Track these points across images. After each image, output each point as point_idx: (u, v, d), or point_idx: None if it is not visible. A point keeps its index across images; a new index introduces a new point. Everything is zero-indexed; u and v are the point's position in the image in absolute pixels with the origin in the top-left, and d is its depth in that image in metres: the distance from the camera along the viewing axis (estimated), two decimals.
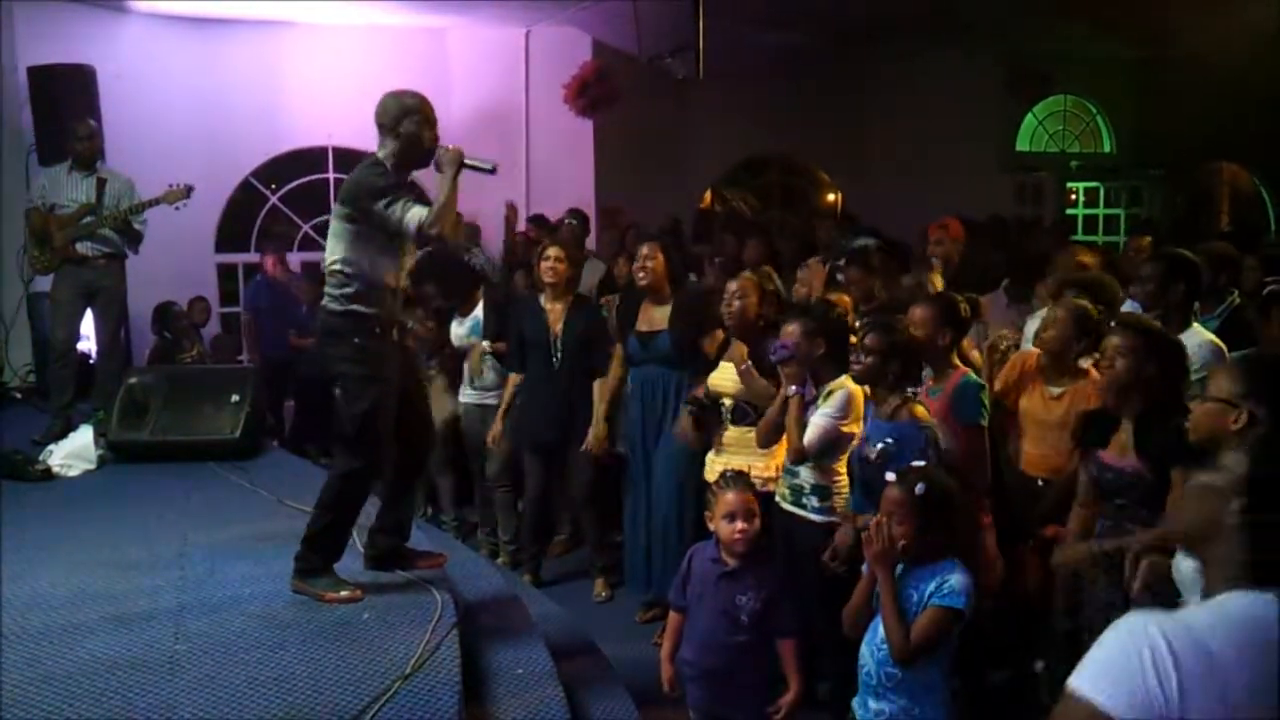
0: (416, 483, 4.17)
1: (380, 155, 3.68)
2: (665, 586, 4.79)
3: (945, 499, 2.95)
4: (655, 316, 5.02)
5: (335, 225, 3.71)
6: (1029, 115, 13.18)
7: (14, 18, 8.04)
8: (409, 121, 3.65)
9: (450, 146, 3.68)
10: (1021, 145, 13.25)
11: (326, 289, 3.70)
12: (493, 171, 3.76)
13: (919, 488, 2.89)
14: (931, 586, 2.88)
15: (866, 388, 3.70)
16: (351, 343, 3.65)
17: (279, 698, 2.95)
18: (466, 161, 3.65)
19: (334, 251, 3.68)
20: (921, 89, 10.95)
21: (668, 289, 5.06)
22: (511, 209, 6.48)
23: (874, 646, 2.97)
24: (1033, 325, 4.49)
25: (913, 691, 2.90)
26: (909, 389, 3.59)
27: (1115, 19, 9.93)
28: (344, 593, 3.65)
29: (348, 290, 3.63)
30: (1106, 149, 13.65)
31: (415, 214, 3.52)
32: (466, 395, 5.86)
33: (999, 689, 4.00)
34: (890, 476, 2.95)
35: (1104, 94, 13.31)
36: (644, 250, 5.05)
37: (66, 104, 7.21)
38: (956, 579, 2.87)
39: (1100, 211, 13.89)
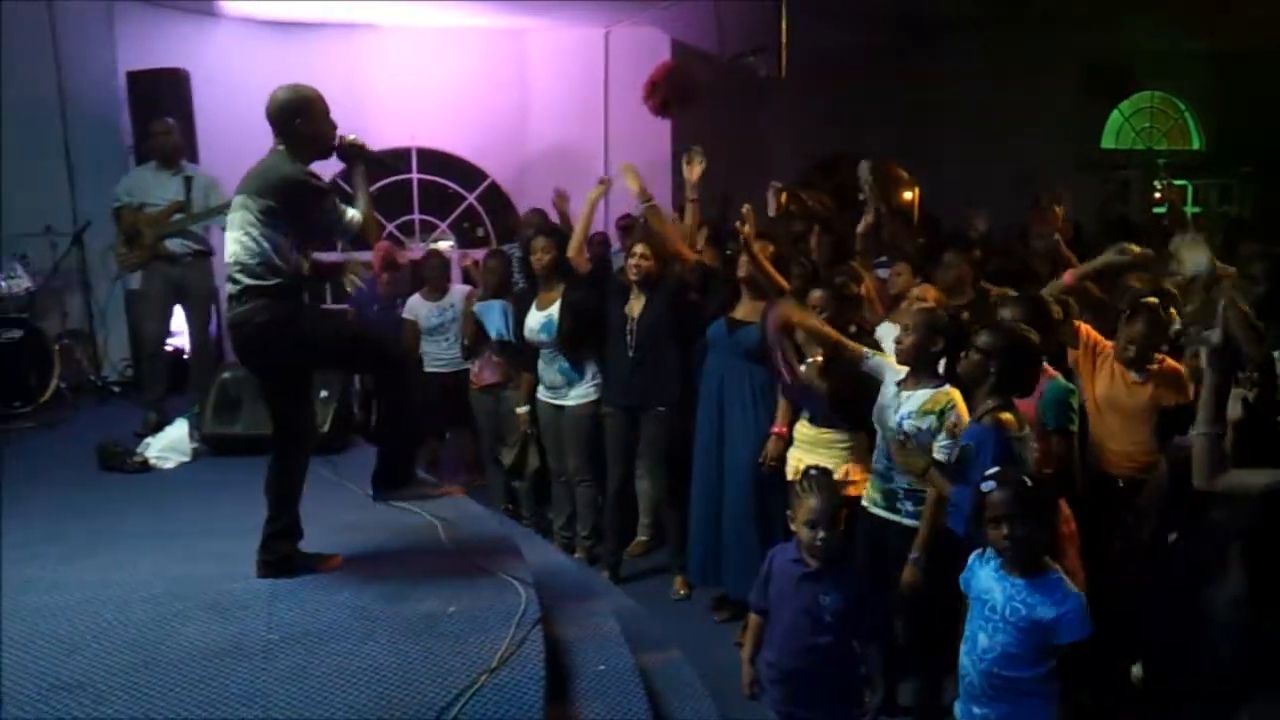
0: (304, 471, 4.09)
1: (284, 149, 3.68)
2: (735, 580, 4.86)
3: (1046, 501, 2.93)
4: (743, 307, 5.06)
5: (245, 216, 3.64)
6: (1115, 112, 12.93)
7: (115, 23, 8.32)
8: (307, 116, 3.68)
9: (350, 137, 3.75)
10: (1107, 143, 13.00)
11: (249, 282, 3.66)
12: (396, 168, 3.92)
13: (1018, 486, 2.88)
14: (1050, 614, 2.84)
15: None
16: (303, 318, 3.75)
17: (368, 689, 3.02)
18: (367, 150, 3.80)
19: (256, 245, 3.63)
20: (1005, 86, 10.79)
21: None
22: (559, 195, 6.49)
23: (975, 656, 2.95)
24: None
25: (1017, 698, 2.89)
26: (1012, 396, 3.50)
27: (1203, 13, 9.69)
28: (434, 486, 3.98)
29: (276, 281, 3.65)
30: (1195, 146, 13.33)
31: (353, 216, 3.72)
32: (541, 394, 5.91)
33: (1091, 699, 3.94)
34: (988, 485, 2.92)
35: (1192, 90, 13.00)
36: (757, 247, 5.07)
37: (162, 107, 7.44)
38: (1075, 605, 2.84)
39: (1189, 210, 13.56)
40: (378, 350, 4.07)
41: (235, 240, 3.69)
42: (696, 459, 5.20)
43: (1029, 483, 2.95)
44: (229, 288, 3.74)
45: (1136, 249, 4.32)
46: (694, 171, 5.33)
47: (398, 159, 4.00)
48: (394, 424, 4.08)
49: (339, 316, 4.03)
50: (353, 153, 3.78)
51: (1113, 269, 4.39)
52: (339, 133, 3.80)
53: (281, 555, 3.87)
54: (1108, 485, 4.05)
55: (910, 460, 3.57)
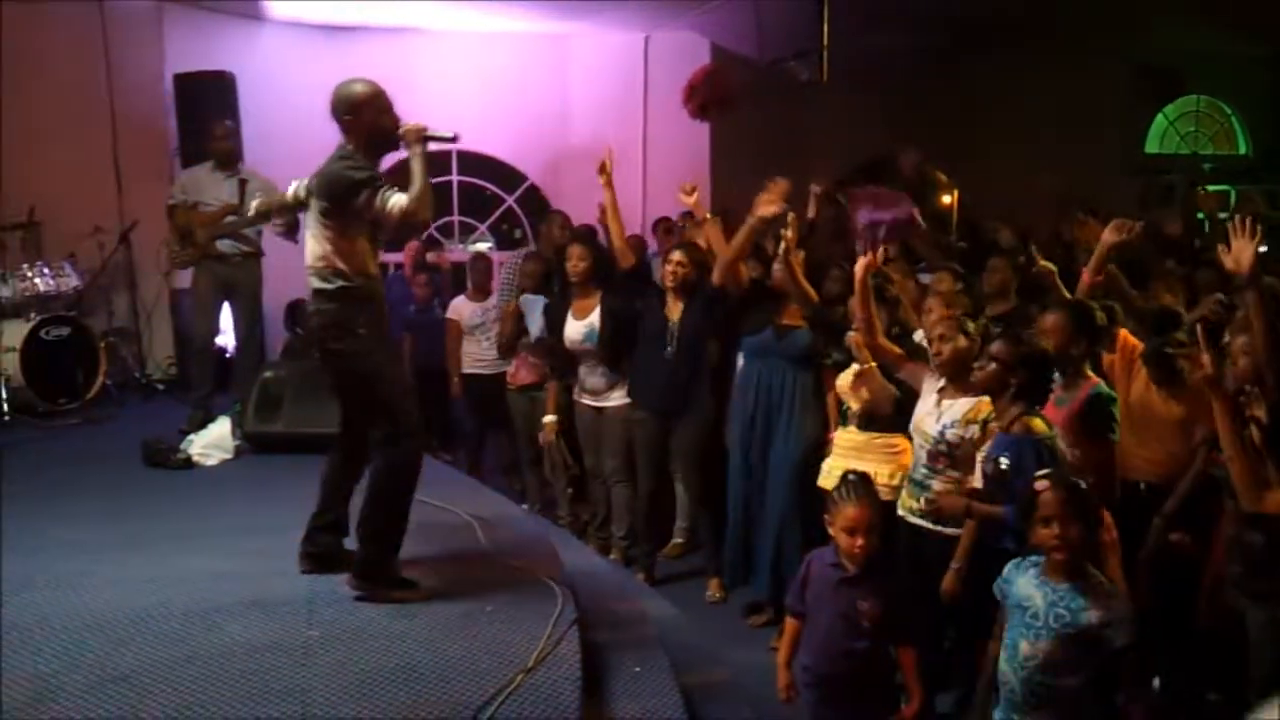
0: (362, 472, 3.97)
1: (349, 147, 3.70)
2: (774, 586, 4.85)
3: (1089, 500, 2.92)
4: (789, 312, 5.05)
5: (311, 217, 3.70)
6: (1159, 116, 12.77)
7: (163, 28, 8.46)
8: (369, 110, 3.68)
9: (410, 123, 3.71)
10: (1151, 147, 12.85)
11: (316, 284, 3.70)
12: (454, 140, 3.86)
13: (1070, 487, 2.88)
14: (1096, 618, 2.81)
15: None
16: (357, 334, 3.67)
17: (406, 686, 3.05)
18: (429, 134, 3.72)
19: (319, 246, 3.68)
20: (1048, 89, 10.70)
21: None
22: (602, 209, 6.55)
23: (1016, 664, 2.93)
24: None
25: (1060, 706, 2.86)
26: (1034, 404, 3.49)
27: (1252, 16, 9.56)
28: (417, 591, 3.72)
29: (340, 284, 3.66)
30: (1242, 151, 13.14)
31: (397, 201, 3.56)
32: (581, 397, 5.92)
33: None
34: (1041, 484, 2.91)
35: (1240, 94, 12.82)
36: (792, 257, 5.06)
37: (208, 109, 7.56)
38: (1124, 609, 2.83)
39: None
40: (407, 424, 3.73)
41: (307, 241, 3.74)
42: (732, 464, 5.19)
43: (1081, 484, 2.94)
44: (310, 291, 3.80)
45: (1131, 223, 4.28)
46: (768, 210, 4.97)
47: (452, 136, 3.92)
48: (378, 511, 3.74)
49: (401, 366, 3.84)
50: (411, 139, 3.72)
51: (1115, 248, 4.34)
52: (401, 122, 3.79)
53: (325, 549, 3.88)
54: (1130, 490, 4.02)
55: (949, 503, 3.56)
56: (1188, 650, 3.83)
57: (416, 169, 3.66)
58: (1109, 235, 4.31)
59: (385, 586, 3.69)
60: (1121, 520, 3.67)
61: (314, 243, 3.70)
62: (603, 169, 5.59)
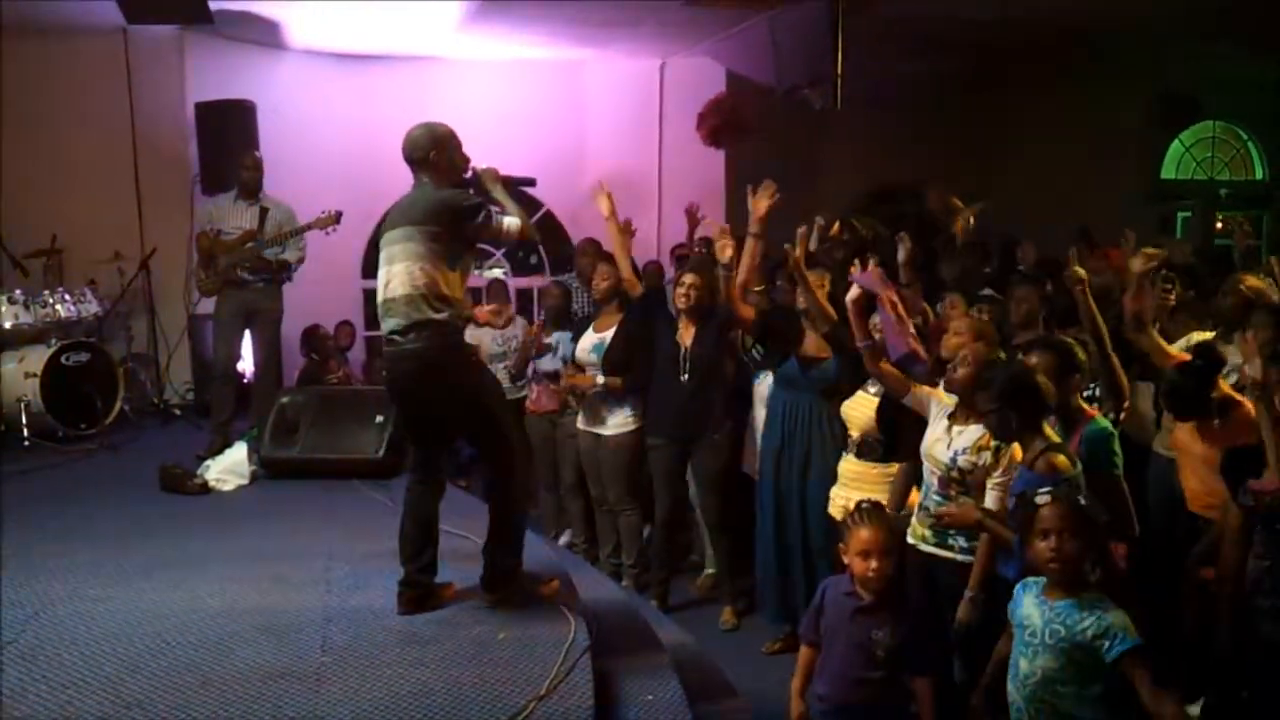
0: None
1: (426, 180, 3.84)
2: (794, 616, 4.81)
3: (1092, 517, 2.89)
4: (812, 343, 4.97)
5: (411, 248, 3.70)
6: (1175, 142, 12.75)
7: (186, 57, 8.56)
8: (450, 146, 3.86)
9: (485, 166, 3.96)
10: (1167, 173, 12.82)
11: (424, 315, 3.68)
12: (533, 184, 4.12)
13: (1070, 502, 2.87)
14: (1090, 626, 2.78)
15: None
16: (475, 361, 3.82)
17: (419, 713, 3.05)
18: (506, 177, 3.98)
19: (423, 276, 3.68)
20: (1061, 116, 10.70)
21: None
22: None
23: (1018, 683, 2.92)
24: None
25: None
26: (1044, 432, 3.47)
27: (1268, 40, 9.55)
28: (554, 583, 4.04)
29: (451, 312, 3.72)
30: (1259, 176, 13.10)
31: (512, 221, 3.84)
32: (580, 423, 5.92)
33: None
34: (1042, 499, 2.89)
35: (1257, 119, 12.79)
36: (813, 278, 5.03)
37: (229, 137, 7.64)
38: (1117, 618, 2.77)
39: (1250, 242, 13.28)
40: (512, 440, 3.96)
41: (402, 273, 3.71)
42: (762, 495, 5.14)
43: (1082, 500, 2.92)
44: (393, 322, 3.73)
45: (1155, 250, 4.29)
46: (760, 206, 5.23)
47: (531, 180, 4.19)
48: (505, 526, 3.97)
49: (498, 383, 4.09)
50: (487, 179, 3.95)
51: (1146, 276, 4.34)
52: (472, 164, 3.97)
53: (425, 589, 3.85)
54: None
55: (961, 515, 3.56)
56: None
57: (503, 198, 3.91)
58: (1138, 264, 4.30)
59: (515, 588, 3.93)
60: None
61: (417, 274, 3.68)
62: (601, 193, 5.61)
